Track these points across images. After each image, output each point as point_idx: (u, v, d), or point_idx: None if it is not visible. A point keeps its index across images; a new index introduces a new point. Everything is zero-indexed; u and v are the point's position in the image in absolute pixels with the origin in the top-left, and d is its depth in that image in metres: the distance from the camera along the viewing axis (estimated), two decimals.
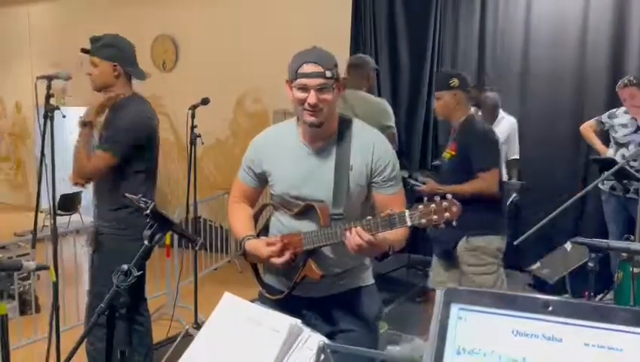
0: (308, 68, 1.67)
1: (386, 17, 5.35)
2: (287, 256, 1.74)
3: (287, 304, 1.81)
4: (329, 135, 1.79)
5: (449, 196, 1.49)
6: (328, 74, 1.67)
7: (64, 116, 2.74)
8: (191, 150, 3.78)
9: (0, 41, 8.19)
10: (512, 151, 4.76)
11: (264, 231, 1.96)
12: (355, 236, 1.56)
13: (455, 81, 2.92)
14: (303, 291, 1.83)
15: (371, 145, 1.78)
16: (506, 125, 4.72)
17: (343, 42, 5.32)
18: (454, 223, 1.47)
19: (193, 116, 3.73)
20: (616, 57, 4.52)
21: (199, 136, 3.79)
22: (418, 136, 5.28)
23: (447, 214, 1.45)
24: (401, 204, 1.79)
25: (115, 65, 2.59)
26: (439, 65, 5.19)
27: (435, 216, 1.46)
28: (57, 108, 3.05)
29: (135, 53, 2.75)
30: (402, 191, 1.86)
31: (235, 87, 6.15)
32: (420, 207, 1.48)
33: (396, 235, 1.68)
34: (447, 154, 3.00)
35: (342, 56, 5.44)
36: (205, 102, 3.75)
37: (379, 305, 1.96)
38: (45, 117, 2.74)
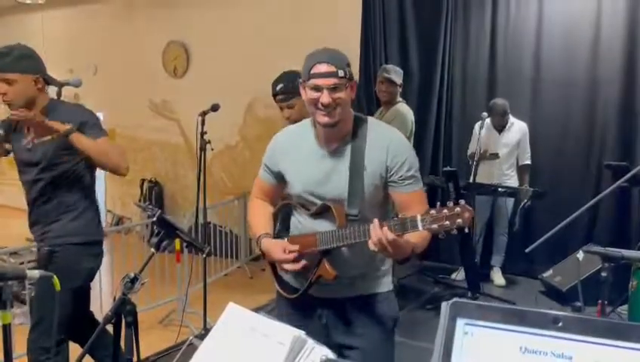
0: (320, 68, 1.66)
1: (396, 23, 5.33)
2: (300, 264, 1.73)
3: (303, 302, 1.83)
4: (343, 135, 1.77)
5: (462, 201, 1.46)
6: (341, 73, 1.66)
7: None
8: (201, 156, 3.79)
9: None
10: (524, 157, 4.72)
11: (285, 230, 1.95)
12: (379, 232, 1.52)
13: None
14: (318, 291, 1.82)
15: (386, 144, 1.75)
16: (516, 130, 4.69)
17: (353, 48, 5.30)
18: (466, 230, 1.44)
19: (203, 122, 3.74)
20: (629, 62, 4.46)
21: (209, 142, 3.79)
22: (429, 142, 5.25)
23: (459, 220, 1.42)
24: (421, 202, 1.75)
25: (37, 78, 2.37)
26: (450, 71, 5.16)
27: (447, 222, 1.43)
28: None
29: None
30: (422, 189, 1.81)
31: (245, 93, 6.16)
32: (432, 211, 1.45)
33: (419, 238, 1.64)
34: None
35: (352, 61, 5.45)
36: (215, 108, 3.76)
37: (395, 311, 1.92)
38: None
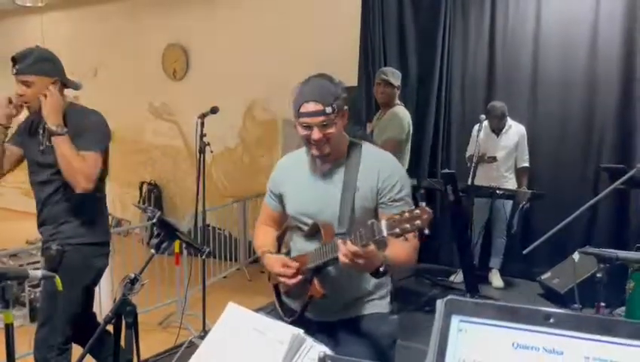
0: (309, 107, 1.72)
1: (395, 26, 5.36)
2: (297, 278, 1.77)
3: (300, 326, 1.83)
4: (337, 158, 1.84)
5: (422, 203, 1.49)
6: (328, 110, 1.71)
7: None
8: (200, 158, 3.81)
9: (12, 51, 8.32)
10: (522, 159, 4.74)
11: (290, 253, 2.00)
12: (342, 246, 1.55)
13: None
14: (314, 313, 1.86)
15: (377, 168, 1.80)
16: (514, 133, 4.71)
17: (352, 54, 5.33)
18: (426, 231, 1.45)
19: (202, 125, 3.76)
20: (626, 64, 4.49)
21: (208, 144, 3.81)
22: (427, 145, 5.27)
23: (417, 222, 1.42)
24: None
25: (55, 81, 2.39)
26: (448, 74, 5.18)
27: (407, 225, 1.44)
28: None
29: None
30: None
31: (244, 96, 6.19)
32: (396, 216, 1.47)
33: (395, 251, 1.68)
34: None
35: (352, 67, 5.47)
36: (214, 111, 3.78)
37: (392, 331, 1.92)
38: None
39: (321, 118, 1.71)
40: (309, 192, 1.86)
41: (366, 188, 1.79)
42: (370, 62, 5.39)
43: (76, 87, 2.53)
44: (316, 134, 1.72)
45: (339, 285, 1.81)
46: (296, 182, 1.91)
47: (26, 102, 2.39)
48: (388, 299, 1.96)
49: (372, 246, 1.53)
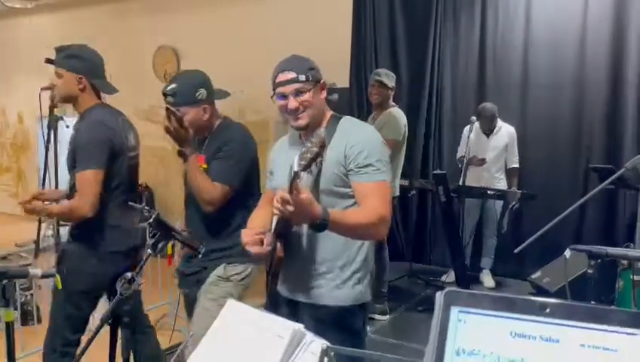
0: (282, 76, 1.79)
1: (386, 30, 5.40)
2: (261, 248, 1.74)
3: (275, 303, 1.89)
4: (316, 131, 1.85)
5: (318, 131, 1.59)
6: (302, 78, 1.76)
7: (67, 126, 2.78)
8: None
9: (1, 52, 8.28)
10: (512, 160, 4.79)
11: None
12: (278, 196, 1.52)
13: (202, 93, 2.44)
14: (285, 289, 1.88)
15: (348, 134, 1.81)
16: (504, 134, 4.75)
17: (343, 55, 5.35)
18: (321, 158, 1.51)
19: None
20: (614, 67, 4.56)
21: None
22: (419, 146, 5.31)
23: (314, 148, 1.49)
24: (379, 194, 1.73)
25: (80, 78, 2.47)
26: (439, 77, 5.22)
27: (307, 154, 1.49)
28: (61, 118, 3.12)
29: (103, 65, 2.64)
30: (383, 183, 1.76)
31: (235, 98, 6.16)
32: (303, 149, 1.51)
33: (349, 211, 1.73)
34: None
35: (343, 69, 5.49)
36: None
37: (355, 328, 1.86)
38: (49, 127, 2.79)
39: (295, 86, 1.76)
40: (286, 163, 1.85)
41: (335, 153, 1.77)
42: (362, 66, 5.42)
43: (109, 91, 2.57)
44: (292, 103, 1.76)
45: (298, 250, 1.82)
46: (280, 158, 1.97)
47: (54, 93, 2.54)
48: (357, 285, 1.86)
49: (304, 195, 1.51)
